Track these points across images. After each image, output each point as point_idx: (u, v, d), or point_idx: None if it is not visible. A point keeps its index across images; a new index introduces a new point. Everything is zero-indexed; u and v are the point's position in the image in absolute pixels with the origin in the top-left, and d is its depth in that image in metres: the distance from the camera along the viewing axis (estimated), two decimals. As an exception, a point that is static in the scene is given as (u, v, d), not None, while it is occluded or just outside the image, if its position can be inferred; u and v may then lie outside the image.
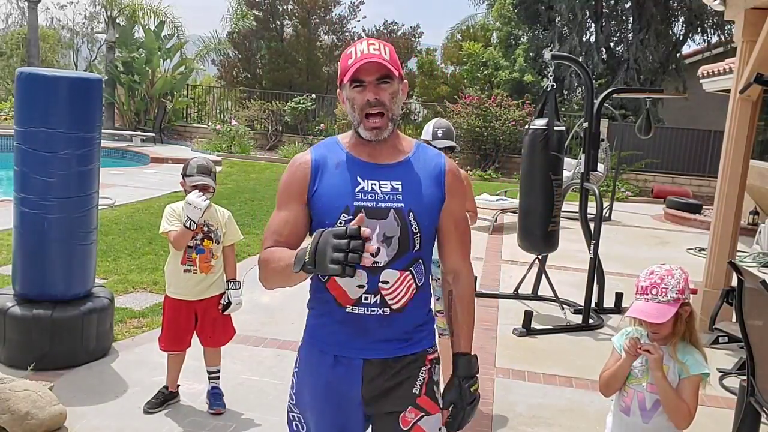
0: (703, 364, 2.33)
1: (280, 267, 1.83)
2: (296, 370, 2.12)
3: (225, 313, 3.74)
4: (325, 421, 2.02)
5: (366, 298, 1.91)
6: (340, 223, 1.86)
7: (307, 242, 1.78)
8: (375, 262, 1.77)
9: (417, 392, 2.00)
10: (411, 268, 1.94)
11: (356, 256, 1.59)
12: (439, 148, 3.81)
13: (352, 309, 1.92)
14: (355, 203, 1.89)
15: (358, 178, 1.92)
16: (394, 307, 1.92)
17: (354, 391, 1.97)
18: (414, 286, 1.95)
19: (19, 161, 4.06)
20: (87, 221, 4.20)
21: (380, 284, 1.90)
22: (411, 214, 1.91)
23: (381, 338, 1.95)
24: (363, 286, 1.90)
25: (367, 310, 1.92)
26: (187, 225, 3.49)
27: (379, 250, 1.82)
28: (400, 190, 1.92)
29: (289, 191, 1.98)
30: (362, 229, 1.62)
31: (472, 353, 2.04)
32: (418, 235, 1.92)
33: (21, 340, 4.05)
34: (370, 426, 2.06)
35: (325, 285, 1.95)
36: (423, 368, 2.01)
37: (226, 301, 3.72)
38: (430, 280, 2.14)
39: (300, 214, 1.95)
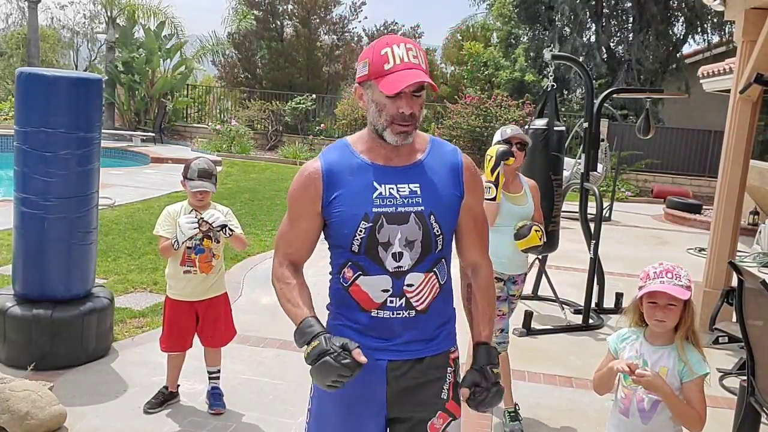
0: (703, 364, 2.34)
1: (287, 309, 1.93)
2: None
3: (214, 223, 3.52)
4: (333, 421, 2.00)
5: (391, 302, 1.89)
6: (361, 231, 1.84)
7: (312, 313, 1.89)
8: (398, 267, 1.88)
9: (445, 397, 2.00)
10: (435, 269, 1.93)
11: (347, 380, 1.75)
12: (509, 140, 3.82)
13: (377, 313, 1.90)
14: (374, 209, 1.85)
15: (375, 184, 1.87)
16: (419, 308, 1.91)
17: (379, 394, 1.95)
18: (437, 286, 1.94)
19: (19, 161, 4.06)
20: (87, 221, 4.20)
21: (405, 287, 1.88)
22: (432, 216, 1.87)
23: (406, 340, 1.93)
24: (387, 290, 1.88)
25: (393, 314, 1.90)
26: (173, 244, 3.50)
27: (401, 254, 1.85)
28: (418, 192, 1.88)
29: (299, 204, 1.93)
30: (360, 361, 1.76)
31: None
32: (440, 236, 1.90)
33: (21, 340, 4.05)
34: (389, 429, 2.03)
35: (348, 290, 1.93)
36: (449, 370, 2.01)
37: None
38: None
39: (312, 225, 1.94)
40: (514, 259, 3.82)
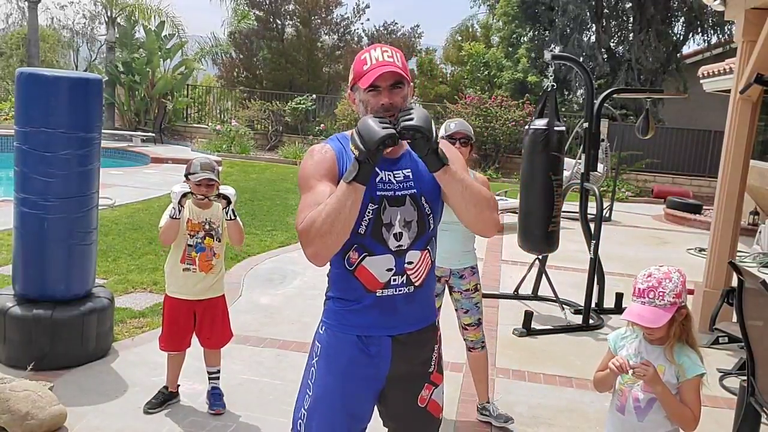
0: (699, 364, 2.33)
1: (331, 204, 1.86)
2: (316, 359, 2.17)
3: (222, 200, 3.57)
4: (337, 402, 2.11)
5: (394, 280, 2.05)
6: (369, 213, 2.00)
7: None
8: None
9: (431, 370, 2.20)
10: (428, 247, 2.11)
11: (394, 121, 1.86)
12: (454, 136, 3.72)
13: (382, 292, 2.05)
14: (378, 193, 2.02)
15: (377, 170, 2.01)
16: (417, 283, 2.09)
17: (382, 370, 2.11)
18: (430, 262, 2.13)
19: (19, 161, 4.06)
20: (87, 221, 4.20)
21: (406, 265, 2.06)
22: (423, 197, 2.06)
23: (406, 315, 2.10)
24: (391, 269, 2.04)
25: (396, 291, 2.06)
26: (171, 215, 3.51)
27: (401, 234, 2.03)
28: (411, 177, 2.06)
29: (320, 170, 2.02)
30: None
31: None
32: (431, 216, 2.08)
33: (21, 340, 4.05)
34: (381, 402, 2.19)
35: (353, 273, 2.05)
36: (435, 346, 2.22)
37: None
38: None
39: (333, 189, 1.97)
40: (455, 253, 3.71)
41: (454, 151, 2.13)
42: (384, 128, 1.83)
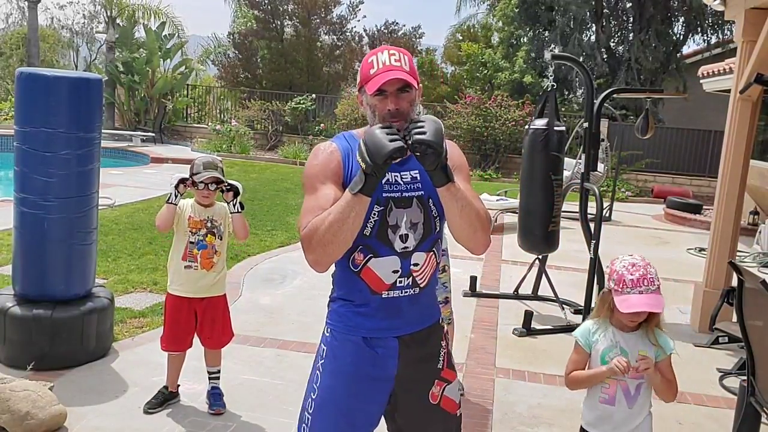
0: (671, 342, 2.46)
1: (334, 214, 1.83)
2: (321, 362, 2.14)
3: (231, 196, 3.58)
4: (343, 406, 2.07)
5: (400, 282, 2.03)
6: (374, 214, 1.96)
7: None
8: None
9: (441, 366, 2.16)
10: (433, 248, 2.08)
11: (405, 135, 1.79)
12: None
13: (388, 294, 2.03)
14: (384, 194, 1.98)
15: None
16: (422, 285, 2.07)
17: (390, 370, 2.08)
18: (435, 263, 2.10)
19: (19, 161, 4.06)
20: (87, 221, 4.20)
21: (412, 267, 2.03)
22: (430, 200, 2.02)
23: (411, 315, 2.08)
24: (397, 271, 2.01)
25: (402, 292, 2.04)
26: (168, 200, 3.54)
27: (407, 236, 2.00)
28: (418, 178, 2.01)
29: (326, 172, 1.98)
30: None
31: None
32: (438, 218, 2.05)
33: (21, 340, 4.05)
34: (392, 404, 2.14)
35: (359, 275, 2.02)
36: (442, 343, 2.19)
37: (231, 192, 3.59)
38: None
39: (338, 193, 1.93)
40: None
41: (459, 157, 2.07)
42: (392, 141, 1.76)
